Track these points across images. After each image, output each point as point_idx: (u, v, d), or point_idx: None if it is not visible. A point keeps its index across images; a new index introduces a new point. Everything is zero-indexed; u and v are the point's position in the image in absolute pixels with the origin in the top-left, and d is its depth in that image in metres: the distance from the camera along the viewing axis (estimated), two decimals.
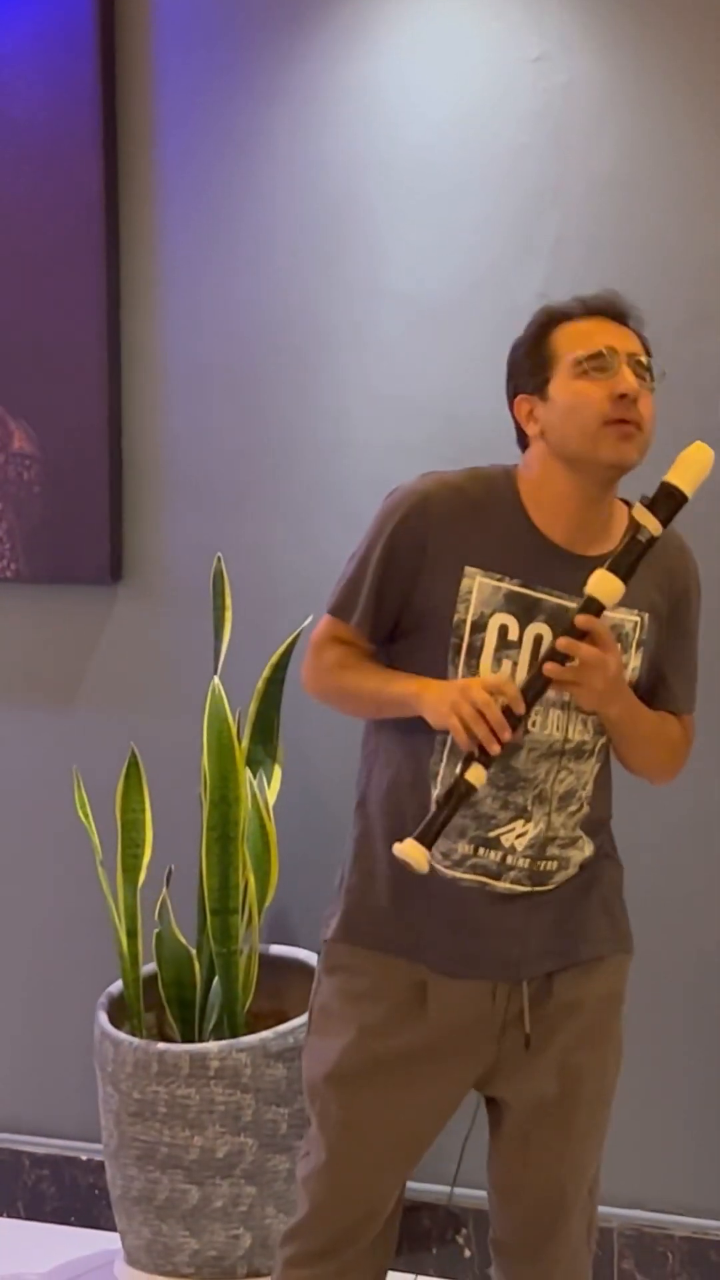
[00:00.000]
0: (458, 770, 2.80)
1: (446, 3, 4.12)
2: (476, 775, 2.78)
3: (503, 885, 2.93)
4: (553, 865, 2.96)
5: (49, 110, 4.40)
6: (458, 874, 2.93)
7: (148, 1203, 3.99)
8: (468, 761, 2.79)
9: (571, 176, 4.06)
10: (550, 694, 2.85)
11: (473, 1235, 4.20)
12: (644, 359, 2.93)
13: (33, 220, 4.45)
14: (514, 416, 2.99)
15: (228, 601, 4.14)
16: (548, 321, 2.96)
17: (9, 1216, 4.62)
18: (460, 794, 2.79)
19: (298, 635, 4.09)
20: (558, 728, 2.91)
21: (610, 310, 2.96)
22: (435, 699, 2.83)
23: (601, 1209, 3.81)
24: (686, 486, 2.81)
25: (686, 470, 2.82)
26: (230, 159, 4.33)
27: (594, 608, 2.80)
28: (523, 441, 3.00)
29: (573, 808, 2.97)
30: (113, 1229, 4.22)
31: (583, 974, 3.02)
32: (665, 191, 4.01)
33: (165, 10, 4.36)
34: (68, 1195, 4.58)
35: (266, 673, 4.13)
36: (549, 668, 2.79)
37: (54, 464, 4.47)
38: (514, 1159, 3.06)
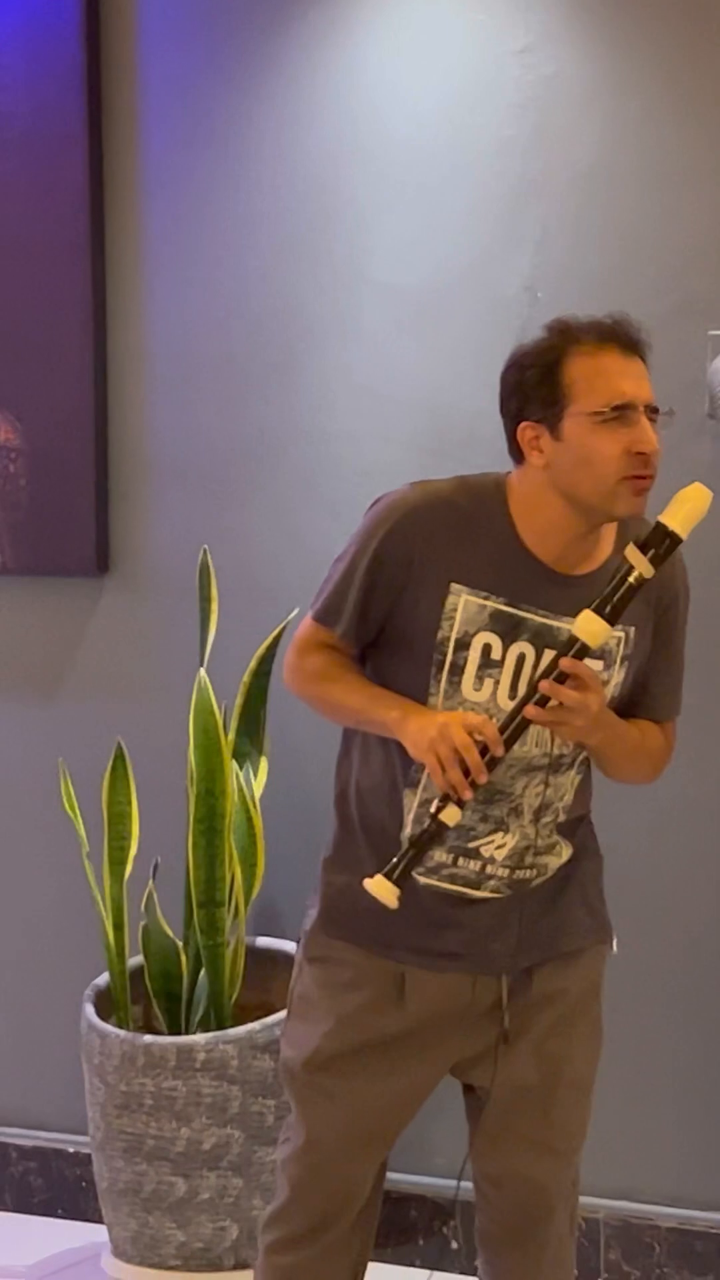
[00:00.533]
0: (432, 809, 2.80)
1: None
2: (451, 815, 2.78)
3: (481, 894, 2.94)
4: (531, 874, 2.97)
5: (34, 102, 4.39)
6: (434, 882, 2.94)
7: (134, 1195, 3.99)
8: (444, 801, 2.79)
9: (556, 168, 4.06)
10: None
11: (460, 1227, 4.20)
12: (658, 406, 2.87)
13: (17, 212, 4.44)
14: (514, 436, 2.90)
15: (214, 593, 4.13)
16: (561, 346, 2.85)
17: None
18: (433, 833, 2.79)
19: (284, 628, 4.09)
20: (536, 745, 2.91)
21: (624, 340, 2.87)
22: (416, 732, 2.82)
23: (588, 1200, 3.84)
24: (681, 528, 2.78)
25: (684, 513, 2.79)
26: (215, 151, 4.32)
27: (579, 651, 2.78)
28: (515, 454, 2.92)
29: (547, 818, 2.98)
30: (100, 1221, 4.22)
31: (562, 965, 3.04)
32: (650, 183, 4.01)
33: (150, 2, 4.35)
34: (55, 1187, 4.58)
35: (253, 665, 4.13)
36: (530, 711, 2.77)
37: (39, 456, 4.46)
38: (496, 1147, 3.07)
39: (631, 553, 2.77)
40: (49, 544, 4.48)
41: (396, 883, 2.79)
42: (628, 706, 3.02)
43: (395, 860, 2.80)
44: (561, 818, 2.99)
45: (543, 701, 2.77)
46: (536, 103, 4.05)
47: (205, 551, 4.16)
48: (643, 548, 2.77)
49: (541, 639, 2.87)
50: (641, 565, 2.76)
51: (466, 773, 2.75)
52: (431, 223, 4.14)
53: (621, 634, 2.94)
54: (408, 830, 2.88)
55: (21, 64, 4.40)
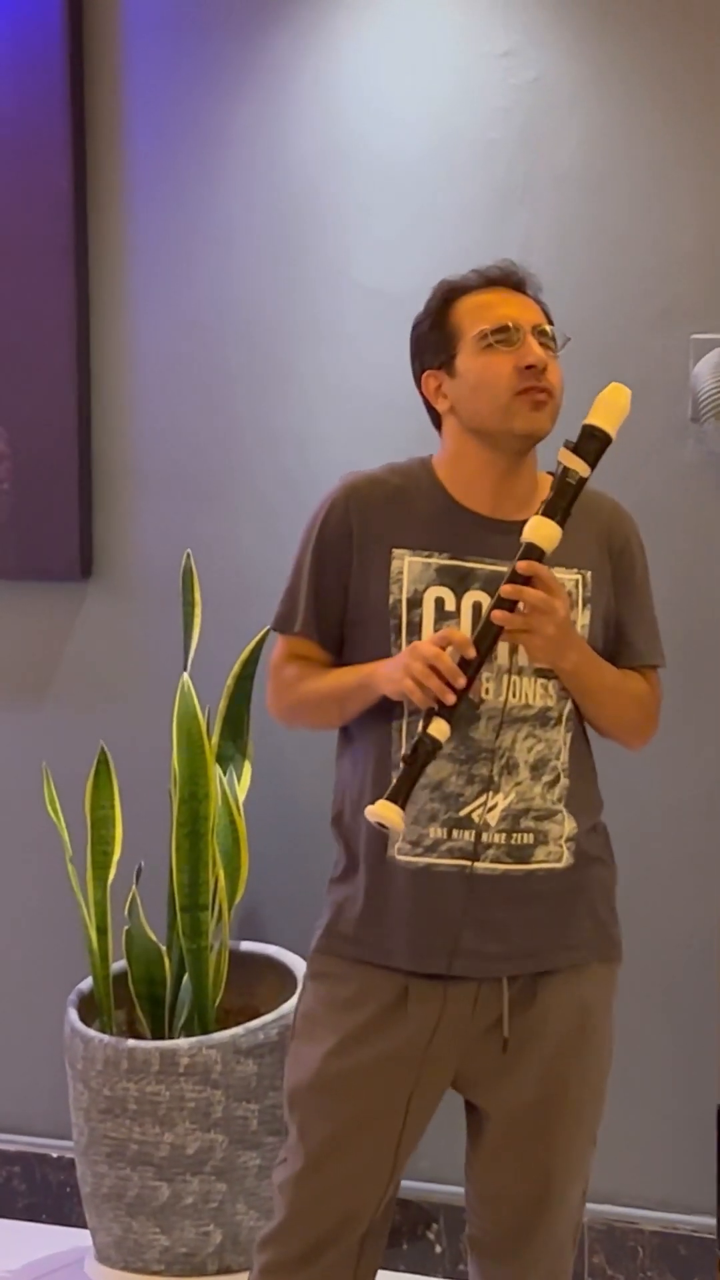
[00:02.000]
0: (419, 727, 2.80)
1: None
2: (439, 729, 2.77)
3: (483, 866, 2.91)
4: (529, 839, 2.93)
5: (17, 107, 4.39)
6: (433, 860, 2.92)
7: (118, 1200, 3.99)
8: (429, 717, 2.79)
9: (540, 172, 4.06)
10: (502, 660, 2.86)
11: (443, 1230, 4.20)
12: (547, 328, 2.97)
13: (0, 216, 4.44)
14: (422, 394, 3.04)
15: (197, 598, 4.13)
16: (448, 295, 3.01)
17: None
18: (426, 749, 2.78)
19: (268, 631, 4.09)
20: (514, 694, 2.90)
21: (508, 280, 3.00)
22: (389, 669, 2.85)
23: None
24: (608, 426, 2.84)
25: (606, 411, 2.85)
26: (198, 156, 4.33)
27: (534, 553, 2.81)
28: (435, 419, 3.05)
29: (548, 778, 2.95)
30: (83, 1226, 4.21)
31: (566, 981, 2.98)
32: (634, 187, 4.01)
33: (132, 7, 4.35)
34: (38, 1192, 4.57)
35: (236, 669, 4.13)
36: (497, 614, 2.79)
37: (23, 460, 4.46)
38: (494, 1167, 3.04)
39: (564, 455, 2.83)
40: (32, 548, 4.48)
41: (400, 804, 2.76)
42: (611, 659, 3.04)
43: (394, 782, 2.79)
44: (564, 780, 2.97)
45: (511, 606, 2.79)
46: (520, 106, 4.06)
47: (189, 555, 4.15)
48: (574, 449, 2.83)
49: (494, 586, 2.89)
50: (575, 464, 2.82)
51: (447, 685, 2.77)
52: (415, 226, 4.15)
53: (579, 576, 2.98)
54: (402, 826, 2.88)
55: (4, 69, 4.40)
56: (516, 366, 2.90)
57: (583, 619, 2.98)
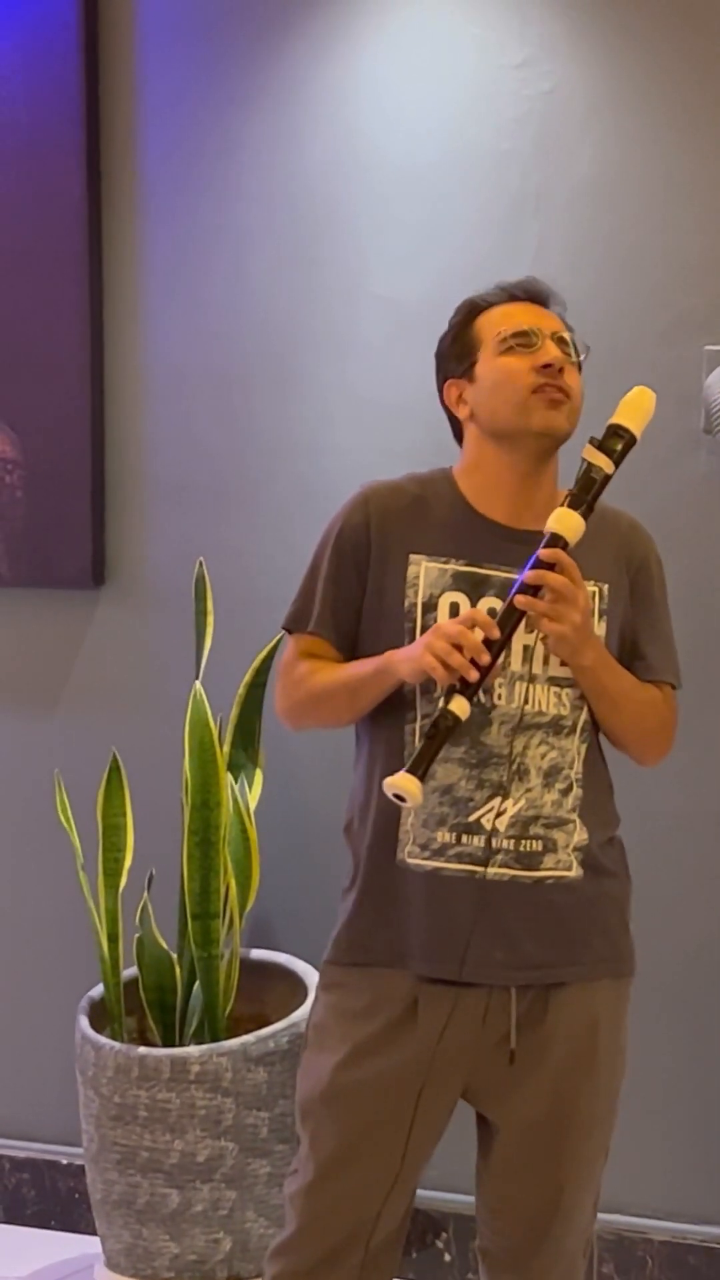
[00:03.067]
0: (440, 703, 2.80)
1: (429, 8, 4.13)
2: (460, 706, 2.78)
3: (491, 872, 2.91)
4: (537, 845, 2.93)
5: (31, 114, 4.40)
6: (441, 864, 2.92)
7: (128, 1207, 3.99)
8: (449, 694, 2.79)
9: (554, 182, 4.07)
10: (516, 666, 2.86)
11: (453, 1239, 4.20)
12: (567, 335, 3.00)
13: (14, 224, 4.45)
14: (444, 405, 3.08)
15: (209, 606, 4.14)
16: (471, 310, 3.06)
17: None
18: (446, 724, 2.78)
19: (280, 640, 4.09)
20: (526, 700, 2.91)
21: (531, 294, 3.05)
22: (408, 651, 2.87)
23: None
24: (633, 425, 2.87)
25: (631, 412, 2.88)
26: (212, 164, 4.33)
27: (558, 542, 2.83)
28: (456, 431, 3.09)
29: (561, 786, 2.95)
30: (93, 1233, 4.21)
31: (577, 996, 2.98)
32: (648, 198, 4.01)
33: (148, 15, 4.36)
34: (48, 1199, 4.58)
35: (248, 677, 4.14)
36: (520, 599, 2.81)
37: (36, 468, 4.47)
38: (504, 1179, 3.03)
39: (589, 451, 2.86)
40: (45, 556, 4.49)
41: (419, 776, 2.76)
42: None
43: (415, 755, 2.79)
44: (577, 790, 2.97)
45: (534, 592, 2.81)
46: (534, 117, 4.06)
47: (201, 564, 4.16)
48: (599, 446, 2.86)
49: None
50: (599, 460, 2.85)
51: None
52: (429, 236, 4.15)
53: (596, 589, 3.00)
54: (410, 819, 2.88)
55: (20, 77, 4.40)
56: (534, 365, 2.93)
57: (599, 631, 2.98)
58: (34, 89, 4.39)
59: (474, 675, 2.78)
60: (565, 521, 2.84)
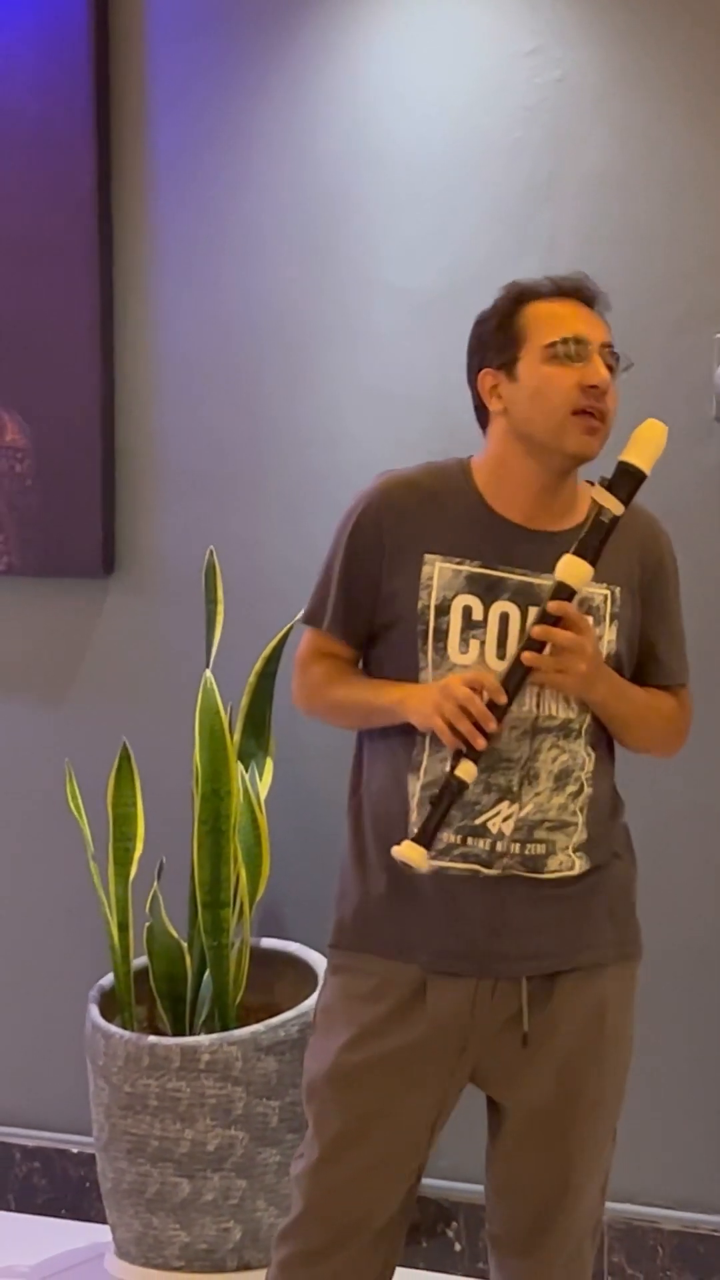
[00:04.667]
0: (447, 768, 2.82)
1: None
2: (467, 771, 2.80)
3: (494, 873, 2.92)
4: (541, 849, 2.93)
5: (42, 100, 4.40)
6: (446, 863, 2.92)
7: (138, 1196, 3.99)
8: (456, 758, 2.81)
9: (566, 171, 4.06)
10: (528, 680, 2.86)
11: (463, 1229, 4.20)
12: (614, 349, 2.95)
13: (25, 212, 4.45)
14: (475, 390, 3.00)
15: (220, 595, 4.14)
16: (519, 298, 2.97)
17: None
18: (452, 791, 2.81)
19: (290, 629, 4.09)
20: (536, 704, 2.90)
21: (581, 293, 2.97)
22: (418, 702, 2.86)
23: None
24: (643, 464, 2.85)
25: (642, 448, 2.86)
26: (223, 151, 4.33)
27: (564, 593, 2.83)
28: (482, 418, 3.02)
29: (572, 788, 2.95)
30: (103, 1222, 4.22)
31: (584, 979, 2.98)
32: (660, 186, 4.01)
33: (158, 4, 4.36)
34: (58, 1188, 4.58)
35: (258, 666, 4.13)
36: (527, 656, 2.81)
37: (46, 457, 4.47)
38: (513, 1161, 3.04)
39: (598, 493, 2.85)
40: (55, 545, 4.49)
41: (424, 845, 2.80)
42: (639, 674, 3.04)
43: (420, 822, 2.82)
44: (588, 790, 2.97)
45: (540, 647, 2.81)
46: (546, 105, 4.05)
47: (211, 553, 4.16)
48: (609, 487, 2.84)
49: (524, 597, 2.90)
50: (610, 503, 2.83)
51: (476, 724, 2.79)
52: (440, 225, 4.15)
53: (607, 591, 2.97)
54: (414, 816, 2.88)
55: (30, 64, 4.40)
56: (580, 383, 2.87)
57: (609, 634, 2.96)
58: (45, 79, 4.39)
59: (481, 744, 2.80)
60: (572, 570, 2.83)
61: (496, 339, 2.95)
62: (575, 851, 2.96)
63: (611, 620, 2.97)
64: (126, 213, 4.42)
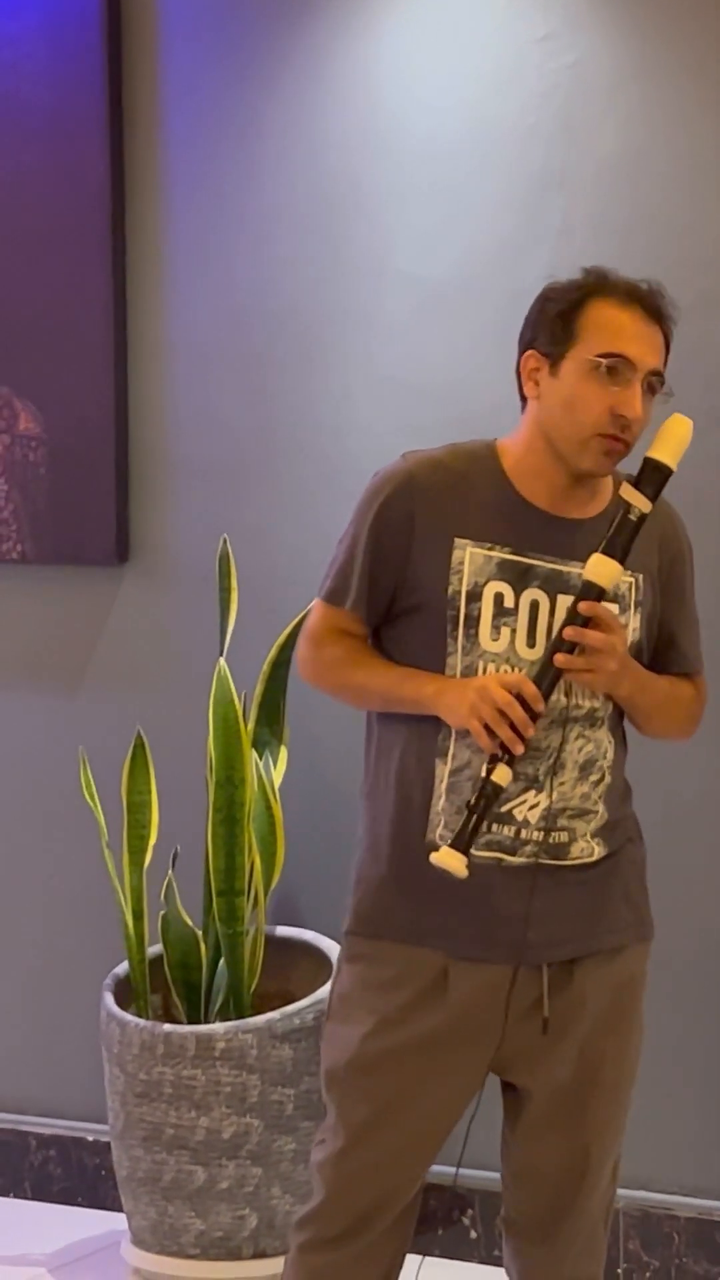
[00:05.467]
0: (483, 773, 2.81)
1: None
2: (503, 775, 2.80)
3: (518, 860, 2.92)
4: (564, 837, 2.93)
5: (55, 91, 4.40)
6: (471, 851, 2.91)
7: (154, 1184, 4.00)
8: (493, 762, 2.80)
9: (579, 158, 4.05)
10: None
11: (479, 1216, 4.20)
12: (662, 373, 2.90)
13: (38, 201, 4.45)
14: (519, 362, 2.95)
15: (233, 583, 4.14)
16: (591, 290, 2.90)
17: (15, 1197, 4.63)
18: (489, 796, 2.80)
19: (303, 617, 4.08)
20: (562, 693, 2.90)
21: (650, 303, 2.90)
22: (454, 701, 2.84)
23: None
24: (670, 460, 2.85)
25: (669, 444, 2.85)
26: (235, 140, 4.32)
27: (594, 593, 2.82)
28: (522, 392, 2.98)
29: (595, 777, 2.95)
30: (119, 1210, 4.22)
31: (604, 962, 2.99)
32: (674, 172, 4.00)
33: None
34: (74, 1176, 4.59)
35: (272, 654, 4.14)
36: (560, 659, 2.81)
37: (60, 445, 4.47)
38: (530, 1146, 3.04)
39: (627, 491, 2.84)
40: (69, 533, 4.49)
41: (463, 851, 2.80)
42: (657, 661, 3.04)
43: (458, 829, 2.82)
44: (608, 778, 2.97)
45: (570, 649, 2.81)
46: (559, 91, 4.05)
47: (225, 541, 4.16)
48: (636, 484, 2.84)
49: (552, 584, 2.90)
50: (639, 501, 2.83)
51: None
52: (453, 213, 4.14)
53: (631, 580, 2.97)
54: (442, 802, 2.87)
55: (43, 55, 4.41)
56: (612, 409, 2.84)
57: (633, 623, 2.96)
58: (57, 68, 4.39)
59: (520, 749, 2.80)
60: (601, 569, 2.82)
61: (554, 326, 2.89)
62: (594, 838, 2.97)
63: (636, 608, 2.98)
64: (139, 203, 4.42)
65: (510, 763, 2.80)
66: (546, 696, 2.81)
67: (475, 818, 2.80)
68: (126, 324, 4.44)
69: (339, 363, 4.26)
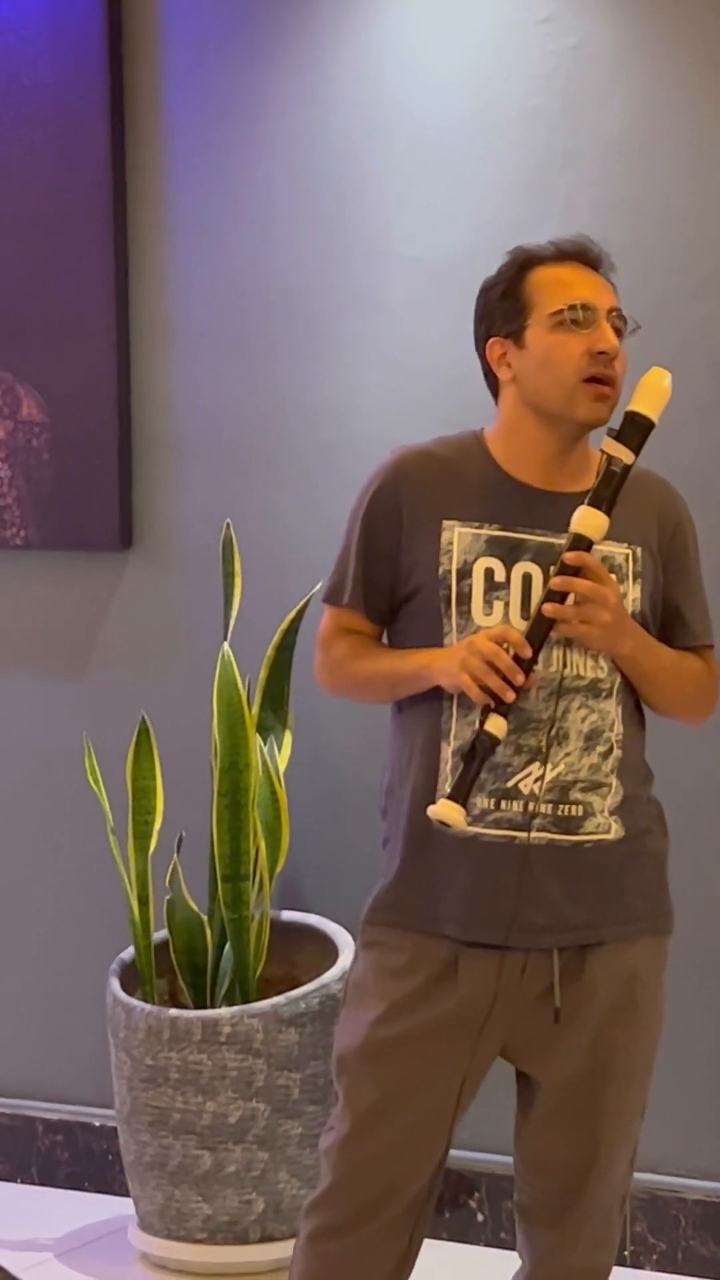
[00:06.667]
0: (476, 724, 2.82)
1: None
2: (496, 725, 2.80)
3: (530, 836, 2.90)
4: (577, 810, 2.92)
5: (57, 75, 4.39)
6: (481, 829, 2.91)
7: (161, 1168, 4.00)
8: (485, 714, 2.81)
9: (581, 139, 4.04)
10: (553, 634, 2.86)
11: (485, 1199, 4.20)
12: (621, 310, 2.94)
13: (40, 186, 4.45)
14: (484, 359, 3.01)
15: (237, 568, 4.13)
16: (524, 264, 2.97)
17: (23, 1182, 4.64)
18: (485, 746, 2.81)
19: (308, 601, 4.09)
20: (564, 664, 2.90)
21: (585, 255, 2.97)
22: (445, 662, 2.85)
23: None
24: (651, 412, 2.86)
25: (649, 396, 2.87)
26: (236, 123, 4.32)
27: (582, 543, 2.83)
28: (492, 386, 3.02)
29: (602, 749, 2.94)
30: (126, 1194, 4.23)
31: (616, 953, 2.97)
32: (676, 153, 3.99)
33: None
34: (81, 1161, 4.59)
35: (276, 639, 4.13)
36: (548, 607, 2.82)
37: (63, 431, 4.47)
38: (543, 1133, 3.03)
39: (609, 444, 2.86)
40: (73, 519, 4.49)
41: (460, 802, 2.80)
42: (665, 637, 3.04)
43: (455, 780, 2.83)
44: (618, 752, 2.96)
45: (561, 599, 2.82)
46: (561, 73, 4.04)
47: (229, 525, 4.15)
48: (618, 437, 2.86)
49: (546, 557, 2.90)
50: (620, 453, 2.85)
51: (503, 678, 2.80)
52: (456, 195, 4.13)
53: (629, 551, 2.97)
54: (448, 783, 2.88)
55: (44, 39, 4.40)
56: (589, 350, 2.87)
57: (633, 593, 2.96)
58: (59, 51, 4.39)
59: (510, 697, 2.80)
60: (588, 520, 2.83)
61: (503, 307, 2.96)
62: (611, 815, 2.95)
63: (635, 579, 2.97)
64: (140, 186, 4.41)
65: (504, 713, 2.80)
66: (538, 647, 2.81)
67: (473, 768, 2.81)
68: (129, 308, 4.44)
69: (342, 345, 4.26)
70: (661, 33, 3.98)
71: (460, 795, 2.81)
